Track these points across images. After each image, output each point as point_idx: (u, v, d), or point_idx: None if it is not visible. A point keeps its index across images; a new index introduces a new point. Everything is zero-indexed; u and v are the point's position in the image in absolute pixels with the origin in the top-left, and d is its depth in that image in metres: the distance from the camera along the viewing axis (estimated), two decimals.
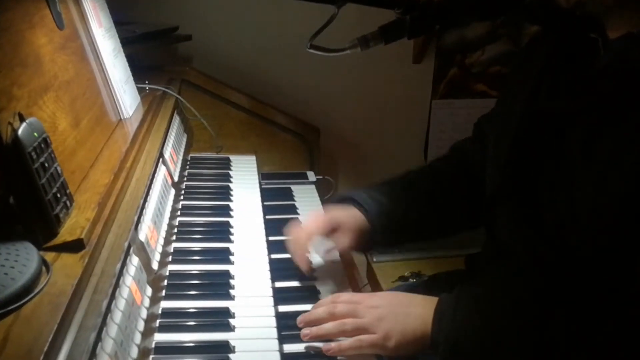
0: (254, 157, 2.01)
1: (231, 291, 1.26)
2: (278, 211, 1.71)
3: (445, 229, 1.51)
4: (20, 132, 0.88)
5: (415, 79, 2.51)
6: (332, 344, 1.14)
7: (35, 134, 0.92)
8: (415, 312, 1.17)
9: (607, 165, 1.00)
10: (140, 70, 1.78)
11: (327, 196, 2.02)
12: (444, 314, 1.13)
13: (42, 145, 0.92)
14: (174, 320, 1.15)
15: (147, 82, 1.83)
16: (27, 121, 0.91)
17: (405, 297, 1.24)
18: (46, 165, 0.92)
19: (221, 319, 1.17)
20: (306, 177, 1.97)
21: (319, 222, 1.40)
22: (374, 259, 2.43)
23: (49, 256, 0.88)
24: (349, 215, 1.40)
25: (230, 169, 1.89)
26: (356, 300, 1.21)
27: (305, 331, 1.17)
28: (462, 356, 1.10)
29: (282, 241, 1.53)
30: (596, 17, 1.09)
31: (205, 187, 1.73)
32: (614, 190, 0.99)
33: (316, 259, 1.45)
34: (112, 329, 0.88)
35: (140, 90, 1.72)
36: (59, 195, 0.94)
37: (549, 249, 1.12)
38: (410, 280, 2.10)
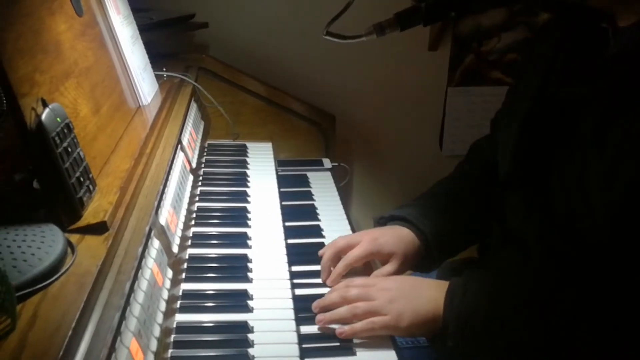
0: (270, 144, 2.03)
1: (249, 274, 1.28)
2: (294, 197, 1.73)
3: (487, 230, 1.46)
4: (43, 117, 0.90)
5: (431, 66, 2.50)
6: (346, 327, 1.16)
7: (58, 119, 0.94)
8: (427, 294, 1.18)
9: (619, 152, 1.01)
10: (157, 57, 1.79)
11: (342, 183, 2.03)
12: (455, 295, 1.15)
13: (65, 131, 0.94)
14: (194, 302, 1.18)
15: (164, 69, 1.85)
16: (50, 107, 0.93)
17: (418, 280, 1.26)
18: (69, 149, 0.94)
19: (240, 301, 1.19)
20: (322, 164, 1.98)
21: (360, 254, 1.34)
22: None
23: (74, 238, 0.91)
24: (397, 240, 1.37)
25: (247, 156, 1.91)
26: (369, 283, 1.24)
27: (319, 317, 1.20)
28: (472, 337, 1.11)
29: (298, 227, 1.57)
30: (606, 8, 1.10)
31: (222, 174, 1.75)
32: (626, 177, 1.00)
33: None
34: (136, 309, 0.90)
35: (157, 78, 1.73)
36: (82, 179, 0.96)
37: (559, 236, 1.13)
38: None
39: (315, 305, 1.23)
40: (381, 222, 1.46)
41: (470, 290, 1.15)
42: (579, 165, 1.08)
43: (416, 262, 1.39)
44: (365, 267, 1.40)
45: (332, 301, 1.22)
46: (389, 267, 1.34)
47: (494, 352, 1.12)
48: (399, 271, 1.35)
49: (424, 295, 1.19)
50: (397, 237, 1.37)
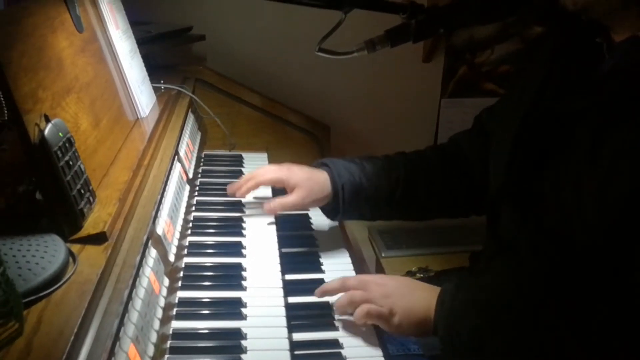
0: (265, 155, 2.06)
1: (243, 282, 1.31)
2: None
3: (416, 213, 1.63)
4: (46, 132, 0.94)
5: (425, 77, 2.53)
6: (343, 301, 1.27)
7: (60, 134, 0.98)
8: (420, 295, 1.24)
9: (613, 165, 1.03)
10: (155, 69, 1.83)
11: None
12: (444, 301, 1.19)
13: (67, 145, 0.99)
14: (190, 309, 1.21)
15: (162, 81, 1.88)
16: (52, 122, 0.97)
17: (412, 281, 1.31)
18: (71, 163, 0.98)
19: (234, 308, 1.22)
20: None
21: (271, 176, 1.55)
22: (383, 254, 2.48)
23: (75, 248, 0.95)
24: (307, 177, 1.52)
25: (242, 166, 1.94)
26: (366, 279, 1.31)
27: (318, 293, 1.31)
28: (460, 342, 1.15)
29: (292, 236, 1.59)
30: (601, 22, 1.13)
31: (218, 184, 1.77)
32: (619, 191, 1.02)
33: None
34: (134, 315, 0.94)
35: (155, 90, 1.77)
36: (82, 191, 1.00)
37: (552, 247, 1.16)
38: (418, 275, 2.14)
39: (316, 291, 1.32)
40: (315, 164, 1.59)
41: (460, 296, 1.19)
42: (573, 178, 1.10)
43: (321, 205, 1.56)
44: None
45: (332, 287, 1.30)
46: (289, 197, 1.52)
47: (477, 356, 1.16)
48: (297, 203, 1.51)
49: (417, 295, 1.24)
50: (310, 175, 1.53)
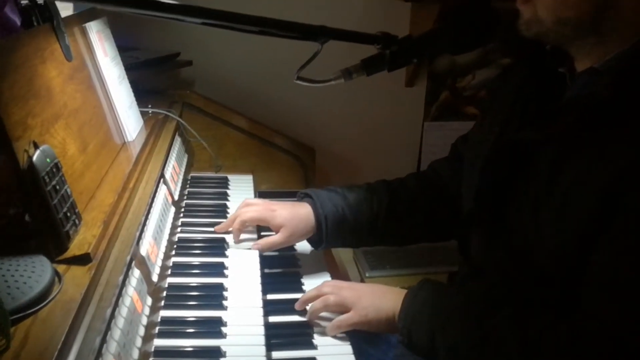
0: (251, 177, 2.10)
1: (224, 302, 1.35)
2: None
3: (399, 240, 1.68)
4: (34, 158, 0.99)
5: (408, 101, 2.59)
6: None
7: (48, 159, 1.03)
8: (390, 294, 1.33)
9: (569, 192, 1.08)
10: (143, 94, 1.88)
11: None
12: (407, 297, 1.28)
13: (54, 170, 1.03)
14: (172, 328, 1.25)
15: (149, 105, 1.92)
16: (40, 148, 1.02)
17: (384, 285, 1.39)
18: (57, 187, 1.03)
19: (214, 327, 1.26)
20: None
21: (253, 215, 1.57)
22: (367, 274, 2.52)
23: (61, 268, 1.00)
24: (291, 215, 1.54)
25: (228, 188, 1.98)
26: (340, 285, 1.39)
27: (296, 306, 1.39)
28: (416, 337, 1.23)
29: (274, 257, 1.63)
30: (564, 52, 1.18)
31: (203, 205, 1.81)
32: (573, 219, 1.07)
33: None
34: (116, 333, 0.98)
35: (143, 114, 1.81)
36: (69, 214, 1.05)
37: (516, 269, 1.21)
38: None
39: (296, 305, 1.40)
40: (299, 196, 1.62)
41: (421, 294, 1.27)
42: (533, 205, 1.15)
43: (307, 237, 1.57)
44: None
45: (309, 296, 1.38)
46: (275, 237, 1.54)
47: (433, 353, 1.21)
48: (283, 242, 1.54)
49: (388, 297, 1.33)
50: (293, 214, 1.55)
